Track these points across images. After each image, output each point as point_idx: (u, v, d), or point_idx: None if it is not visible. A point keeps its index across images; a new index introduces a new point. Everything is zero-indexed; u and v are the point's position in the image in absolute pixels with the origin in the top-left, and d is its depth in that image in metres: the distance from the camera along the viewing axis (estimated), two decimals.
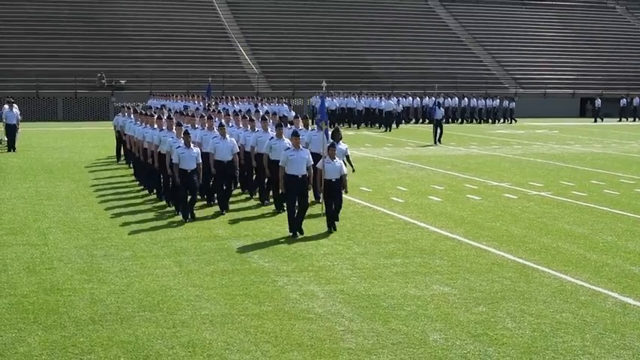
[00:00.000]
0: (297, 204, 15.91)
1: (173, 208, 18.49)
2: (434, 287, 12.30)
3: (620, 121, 57.44)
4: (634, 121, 57.83)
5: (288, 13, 66.52)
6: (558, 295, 11.95)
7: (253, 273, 13.04)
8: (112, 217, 17.76)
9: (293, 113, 37.46)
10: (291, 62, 59.90)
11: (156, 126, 20.17)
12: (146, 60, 57.12)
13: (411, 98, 53.35)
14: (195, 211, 17.85)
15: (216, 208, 18.66)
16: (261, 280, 12.65)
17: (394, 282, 12.61)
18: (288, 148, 16.33)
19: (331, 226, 16.32)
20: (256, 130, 20.10)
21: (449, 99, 53.30)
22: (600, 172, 26.37)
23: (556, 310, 11.20)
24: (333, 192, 16.30)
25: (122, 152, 27.68)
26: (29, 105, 50.28)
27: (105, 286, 12.16)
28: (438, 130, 36.41)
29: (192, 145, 17.40)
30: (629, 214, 18.68)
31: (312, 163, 16.28)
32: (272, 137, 18.75)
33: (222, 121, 20.61)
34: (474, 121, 54.14)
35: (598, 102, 57.03)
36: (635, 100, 58.76)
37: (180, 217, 17.58)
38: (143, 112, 23.52)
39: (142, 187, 21.89)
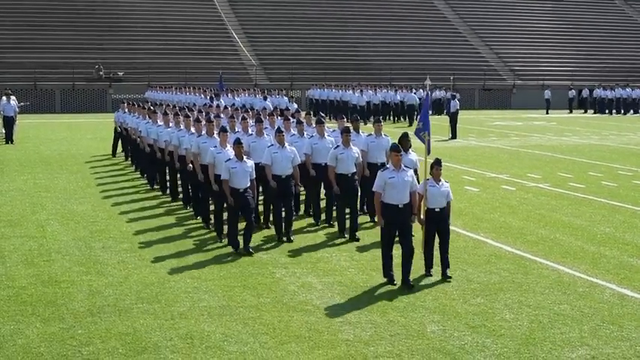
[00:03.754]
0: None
1: (204, 225, 15.96)
2: (432, 279, 12.31)
3: (570, 112, 56.56)
4: (584, 112, 56.82)
5: (286, 5, 66.37)
6: (556, 287, 11.97)
7: (251, 265, 13.04)
8: (110, 209, 17.74)
9: (295, 105, 37.16)
10: (289, 54, 59.83)
11: (193, 130, 16.92)
12: (144, 52, 57.00)
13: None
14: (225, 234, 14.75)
15: (266, 232, 15.51)
16: (260, 271, 12.66)
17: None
18: (387, 167, 12.36)
19: (430, 268, 12.56)
20: (306, 134, 16.90)
21: (401, 91, 50.66)
22: (598, 164, 26.37)
23: (554, 302, 11.22)
24: (439, 225, 12.49)
25: (119, 148, 27.12)
26: (27, 97, 50.16)
27: (103, 278, 12.17)
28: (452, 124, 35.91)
29: (244, 156, 14.22)
30: (627, 206, 18.69)
31: (418, 187, 12.45)
32: (338, 146, 15.37)
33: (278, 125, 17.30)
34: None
35: (547, 93, 56.30)
36: (585, 92, 57.98)
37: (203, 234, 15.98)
38: (161, 112, 20.73)
39: (156, 190, 20.11)
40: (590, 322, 10.39)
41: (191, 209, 17.31)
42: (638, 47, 70.53)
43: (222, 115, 19.96)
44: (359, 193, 15.91)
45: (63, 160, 26.19)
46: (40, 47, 55.11)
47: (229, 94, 39.64)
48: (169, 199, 18.90)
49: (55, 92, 52.51)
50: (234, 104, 30.26)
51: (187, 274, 12.44)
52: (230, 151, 14.50)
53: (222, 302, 11.06)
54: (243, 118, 17.49)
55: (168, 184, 19.48)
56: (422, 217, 12.49)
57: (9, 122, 31.96)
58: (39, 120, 44.32)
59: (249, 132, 16.80)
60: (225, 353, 9.20)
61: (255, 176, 14.25)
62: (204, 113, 19.74)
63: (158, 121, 20.07)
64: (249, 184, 14.04)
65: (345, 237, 15.00)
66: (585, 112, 57.01)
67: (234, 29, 61.89)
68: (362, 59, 61.27)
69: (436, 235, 12.54)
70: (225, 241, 14.50)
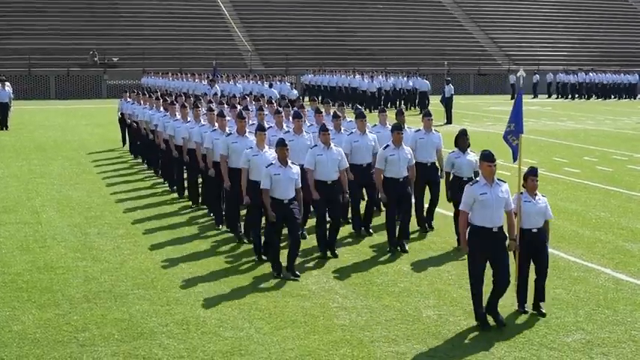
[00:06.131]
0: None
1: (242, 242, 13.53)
2: (429, 268, 12.31)
3: (534, 97, 55.94)
4: (548, 97, 56.27)
5: None
6: (551, 272, 11.94)
7: (247, 250, 13.02)
8: (105, 195, 17.71)
9: (295, 92, 36.83)
10: (285, 39, 59.68)
11: (217, 126, 14.61)
12: (138, 37, 56.79)
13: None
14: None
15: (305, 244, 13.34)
16: (255, 257, 12.63)
17: (387, 259, 12.63)
18: (477, 181, 10.15)
19: (524, 302, 10.24)
20: (344, 130, 14.71)
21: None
22: (593, 149, 26.39)
23: (549, 287, 11.20)
24: (537, 250, 10.17)
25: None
26: (21, 83, 49.99)
27: (99, 264, 12.17)
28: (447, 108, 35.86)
29: (289, 161, 11.79)
30: (622, 191, 18.71)
31: (513, 205, 10.10)
32: (387, 146, 13.06)
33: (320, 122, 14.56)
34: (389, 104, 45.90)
35: (512, 78, 55.70)
36: (549, 76, 57.49)
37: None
38: (176, 103, 18.18)
39: (172, 190, 18.11)
40: (585, 307, 10.42)
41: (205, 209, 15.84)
42: (635, 32, 70.45)
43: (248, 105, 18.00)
44: (412, 201, 13.63)
45: (58, 147, 26.13)
46: (34, 33, 54.87)
47: (230, 81, 38.55)
48: (165, 183, 18.83)
49: (50, 78, 52.33)
50: (251, 92, 28.49)
51: (183, 260, 12.44)
52: (269, 153, 12.36)
53: (218, 288, 11.07)
54: (277, 112, 15.33)
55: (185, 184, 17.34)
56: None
57: (3, 108, 31.87)
58: (34, 106, 44.19)
59: (286, 128, 14.59)
60: (220, 339, 9.21)
61: (301, 185, 11.98)
62: (227, 107, 17.53)
63: (176, 114, 17.39)
64: (294, 195, 11.76)
65: (395, 250, 13.01)
66: (549, 97, 56.51)
67: (229, 14, 61.68)
68: (357, 44, 61.10)
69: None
70: (223, 227, 14.39)
